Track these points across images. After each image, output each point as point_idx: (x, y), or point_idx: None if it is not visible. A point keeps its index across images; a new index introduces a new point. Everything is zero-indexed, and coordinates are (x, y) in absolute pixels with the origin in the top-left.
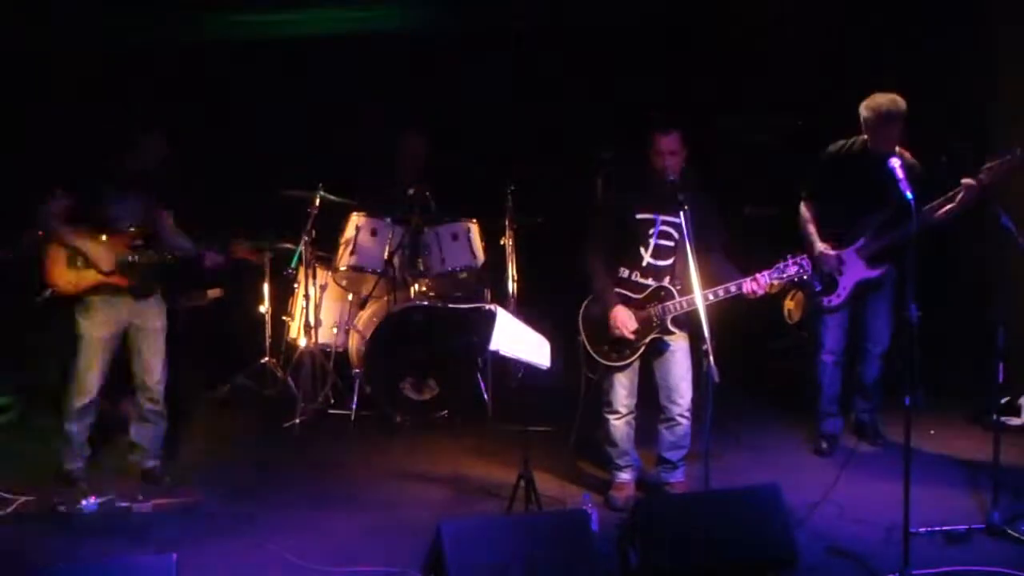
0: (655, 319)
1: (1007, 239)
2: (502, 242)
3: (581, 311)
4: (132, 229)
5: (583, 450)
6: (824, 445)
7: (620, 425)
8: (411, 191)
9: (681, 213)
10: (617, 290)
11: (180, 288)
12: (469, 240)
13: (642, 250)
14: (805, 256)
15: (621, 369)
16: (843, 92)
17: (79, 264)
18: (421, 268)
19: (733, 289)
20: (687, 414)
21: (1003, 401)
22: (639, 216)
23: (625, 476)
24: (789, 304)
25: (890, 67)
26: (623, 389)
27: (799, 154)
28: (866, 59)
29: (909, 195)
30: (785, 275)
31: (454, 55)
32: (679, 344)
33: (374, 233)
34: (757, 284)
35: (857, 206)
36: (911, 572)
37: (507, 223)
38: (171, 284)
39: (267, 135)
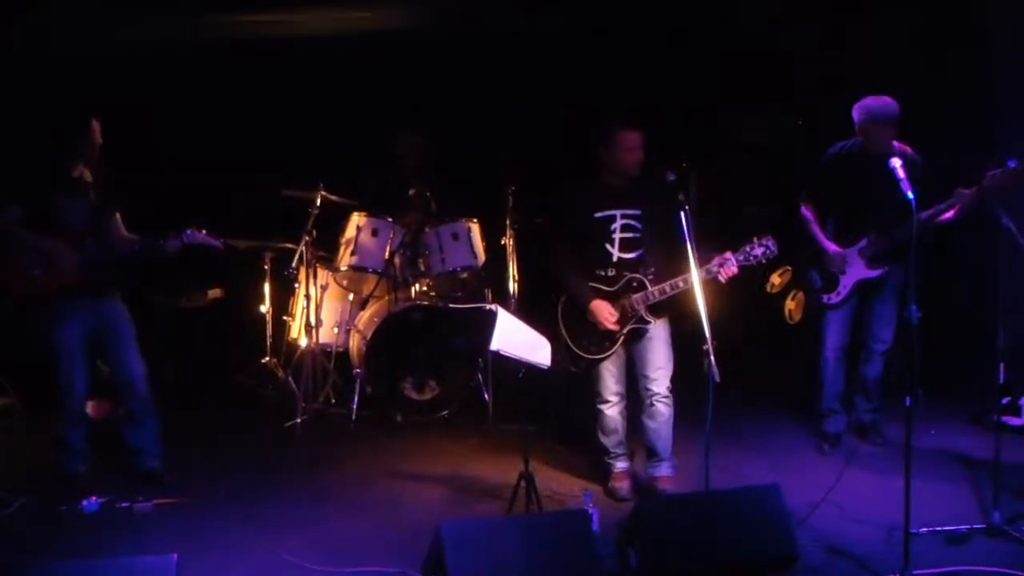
0: (630, 310)
1: (1007, 239)
2: (502, 242)
3: (559, 309)
4: (83, 230)
5: (573, 447)
6: (826, 444)
7: (612, 413)
8: (412, 191)
9: (682, 213)
10: (592, 285)
11: (180, 289)
12: (470, 240)
13: (608, 247)
14: (770, 237)
15: (604, 360)
16: (843, 92)
17: (37, 268)
18: (422, 268)
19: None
20: (666, 399)
21: (1003, 401)
22: (598, 215)
23: (623, 464)
24: (790, 304)
25: (890, 69)
26: (611, 377)
27: (799, 154)
28: (866, 60)
29: (910, 195)
30: (752, 257)
31: (454, 55)
32: (657, 332)
33: (375, 233)
34: (727, 268)
35: (857, 207)
36: (912, 572)
37: (507, 223)
38: (132, 281)
39: (267, 135)
